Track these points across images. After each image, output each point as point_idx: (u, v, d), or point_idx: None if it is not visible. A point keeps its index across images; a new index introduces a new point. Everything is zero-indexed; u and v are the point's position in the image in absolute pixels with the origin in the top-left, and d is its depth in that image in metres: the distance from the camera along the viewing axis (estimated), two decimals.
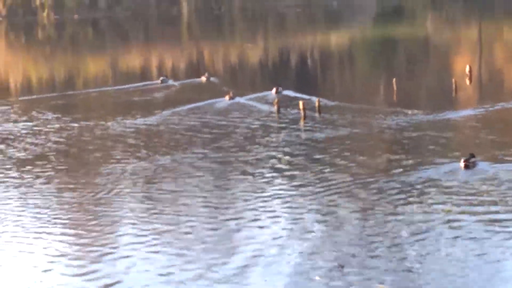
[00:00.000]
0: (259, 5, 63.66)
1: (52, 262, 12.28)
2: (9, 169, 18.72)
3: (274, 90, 26.81)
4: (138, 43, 50.04)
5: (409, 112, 22.60)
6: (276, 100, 23.97)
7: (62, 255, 12.72)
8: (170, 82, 31.49)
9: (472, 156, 16.92)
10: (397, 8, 62.60)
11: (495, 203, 14.41)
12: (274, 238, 13.07)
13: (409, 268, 11.41)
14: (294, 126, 21.81)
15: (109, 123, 23.45)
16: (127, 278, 11.54)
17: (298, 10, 61.80)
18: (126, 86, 31.91)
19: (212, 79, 31.35)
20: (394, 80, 26.03)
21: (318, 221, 13.98)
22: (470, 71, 28.26)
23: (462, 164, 16.85)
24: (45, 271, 11.99)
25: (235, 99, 25.80)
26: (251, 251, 12.38)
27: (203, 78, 31.42)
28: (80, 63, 40.96)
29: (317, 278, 11.25)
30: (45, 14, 61.48)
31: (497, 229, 13.06)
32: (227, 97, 25.88)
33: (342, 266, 11.52)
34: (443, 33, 50.24)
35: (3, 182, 17.60)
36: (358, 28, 54.59)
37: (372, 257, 11.91)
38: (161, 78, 31.89)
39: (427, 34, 49.23)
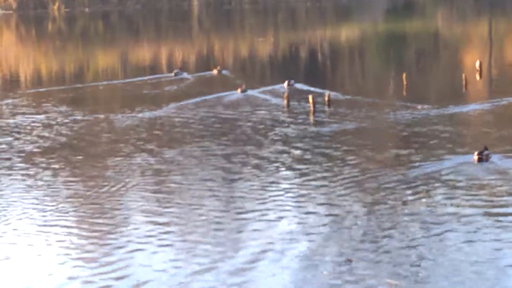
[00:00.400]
0: (270, 0, 63.55)
1: (62, 254, 12.27)
2: (18, 161, 18.73)
3: (286, 83, 26.90)
4: (149, 37, 50.01)
5: (419, 106, 22.58)
6: (286, 94, 23.97)
7: (71, 247, 12.72)
8: (184, 75, 31.37)
9: (486, 149, 16.87)
10: (407, 3, 62.52)
11: (509, 197, 14.44)
12: (282, 232, 13.06)
13: (418, 263, 11.40)
14: (303, 120, 21.78)
15: (119, 116, 23.45)
16: (138, 270, 11.54)
17: (309, 4, 61.66)
18: (139, 78, 31.94)
19: (224, 72, 31.39)
20: (404, 74, 26.01)
21: (326, 215, 13.96)
22: (480, 66, 28.24)
23: (475, 157, 16.81)
24: (56, 263, 12.01)
25: (247, 92, 25.90)
26: (259, 244, 12.37)
27: (215, 71, 31.42)
28: (90, 56, 40.96)
29: (325, 273, 11.25)
30: (55, 7, 61.49)
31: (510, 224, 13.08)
32: (239, 90, 26.01)
33: (351, 261, 11.52)
34: (454, 28, 50.19)
35: (12, 173, 17.63)
36: (368, 22, 54.53)
37: (381, 251, 11.89)
38: (175, 71, 31.84)
39: (437, 30, 49.17)
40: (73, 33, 52.90)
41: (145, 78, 32.06)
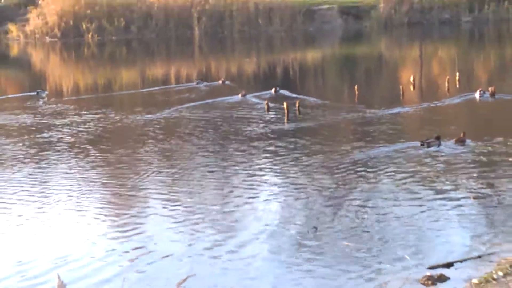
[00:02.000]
0: (253, 30, 63.52)
1: (86, 231, 12.16)
2: (62, 150, 18.85)
3: (273, 90, 27.47)
4: (162, 58, 50.06)
5: (368, 110, 22.79)
6: (266, 101, 24.09)
7: (94, 227, 12.68)
8: (204, 84, 31.39)
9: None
10: (357, 33, 62.54)
11: (437, 177, 14.62)
12: (260, 207, 13.18)
13: (368, 229, 11.53)
14: (279, 119, 21.96)
15: (139, 116, 23.56)
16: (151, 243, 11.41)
17: (283, 34, 61.64)
18: (164, 87, 32.35)
19: (226, 82, 31.46)
20: (356, 86, 26.13)
21: (295, 193, 14.09)
22: (414, 80, 28.41)
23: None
24: (83, 239, 11.90)
25: (246, 96, 26.36)
26: (241, 222, 12.34)
27: (220, 82, 31.52)
28: (116, 73, 40.93)
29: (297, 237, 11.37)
30: (90, 36, 61.31)
31: (440, 196, 13.23)
32: (240, 95, 26.52)
33: (316, 228, 11.64)
34: (393, 51, 50.33)
35: (57, 161, 17.72)
36: (328, 47, 54.73)
37: (339, 222, 12.03)
38: (197, 80, 31.95)
39: (381, 53, 49.30)
40: (103, 55, 52.75)
41: (171, 86, 32.42)
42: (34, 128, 22.09)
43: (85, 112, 25.09)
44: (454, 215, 11.94)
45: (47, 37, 64.23)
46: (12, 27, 66.42)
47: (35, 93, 30.21)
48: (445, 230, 11.27)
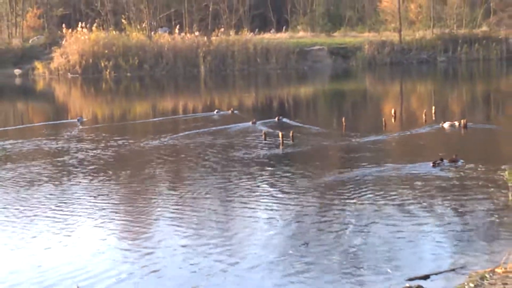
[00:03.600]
0: (252, 68, 63.91)
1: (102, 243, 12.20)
2: (83, 171, 18.81)
3: (276, 118, 28.01)
4: (171, 93, 50.22)
5: (354, 139, 22.78)
6: (263, 131, 23.88)
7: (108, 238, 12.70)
8: (221, 113, 31.66)
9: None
10: (345, 71, 62.84)
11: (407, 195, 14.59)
12: (257, 223, 13.17)
13: (353, 245, 11.49)
14: (274, 146, 21.91)
15: (154, 142, 23.65)
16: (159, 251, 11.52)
17: (279, 71, 61.91)
18: (185, 115, 32.91)
19: (235, 112, 31.75)
20: (343, 118, 26.16)
21: (290, 210, 14.05)
22: (395, 112, 28.41)
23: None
24: (103, 243, 11.96)
25: (256, 124, 26.72)
26: (240, 234, 12.37)
27: (230, 111, 31.84)
28: (131, 105, 40.95)
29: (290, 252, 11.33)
30: (107, 72, 61.58)
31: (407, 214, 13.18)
32: (251, 122, 26.99)
33: (307, 243, 11.63)
34: (376, 87, 50.47)
35: (78, 180, 17.68)
36: (319, 84, 54.91)
37: (328, 238, 12.02)
38: (216, 110, 32.11)
39: (365, 88, 49.42)
40: (119, 90, 52.90)
41: (192, 115, 32.88)
42: (59, 151, 22.10)
43: (103, 138, 25.16)
44: (431, 232, 11.91)
45: (69, 74, 64.41)
46: (38, 64, 66.70)
47: (76, 120, 30.70)
48: (423, 246, 11.25)
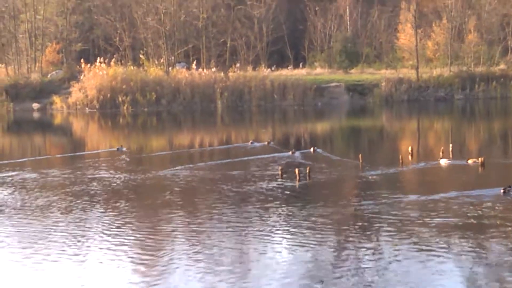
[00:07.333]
0: (269, 104, 64.24)
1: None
2: (97, 200, 18.96)
3: (312, 149, 29.23)
4: (188, 127, 50.50)
5: (372, 173, 22.85)
6: (280, 167, 23.76)
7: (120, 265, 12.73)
8: (257, 144, 32.55)
9: (510, 186, 17.57)
10: (362, 107, 62.96)
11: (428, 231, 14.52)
12: (271, 256, 13.13)
13: (369, 283, 11.47)
14: (292, 182, 21.93)
15: (170, 170, 23.98)
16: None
17: (295, 108, 62.18)
18: (224, 146, 34.87)
19: (271, 143, 32.69)
20: (360, 155, 26.19)
21: (306, 245, 14.03)
22: (412, 150, 28.42)
23: (501, 190, 17.73)
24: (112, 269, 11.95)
25: (296, 153, 28.09)
26: (248, 269, 12.35)
27: (266, 143, 32.68)
28: (147, 139, 41.32)
29: None
30: (125, 107, 62.18)
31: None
32: (290, 152, 28.30)
33: (323, 281, 11.59)
34: (394, 124, 50.51)
35: (87, 211, 17.82)
36: (335, 120, 55.03)
37: (344, 276, 11.96)
38: (250, 141, 33.18)
39: (382, 125, 49.49)
40: (136, 124, 53.36)
41: (225, 146, 34.66)
42: (77, 181, 22.33)
43: (120, 169, 25.63)
44: (450, 272, 11.85)
45: (87, 108, 65.06)
46: (56, 99, 67.45)
47: (115, 149, 31.82)
48: (439, 281, 11.21)
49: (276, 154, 28.49)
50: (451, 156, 26.95)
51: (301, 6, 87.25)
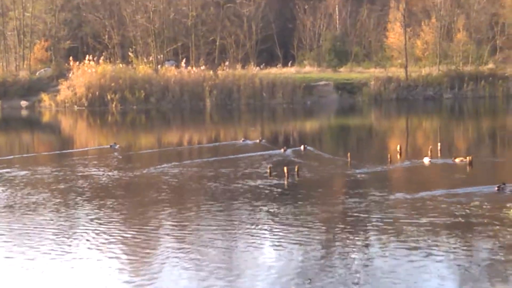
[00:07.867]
0: (258, 102, 64.27)
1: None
2: (88, 196, 18.94)
3: (302, 147, 29.49)
4: (177, 125, 50.42)
5: (361, 171, 22.89)
6: (269, 166, 23.77)
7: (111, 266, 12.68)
8: (248, 141, 32.89)
9: (503, 183, 17.65)
10: (351, 106, 63.09)
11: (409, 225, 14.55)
12: (261, 254, 13.12)
13: (357, 281, 11.48)
14: (280, 180, 21.96)
15: (158, 167, 23.99)
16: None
17: (284, 106, 62.22)
18: (215, 143, 34.57)
19: (263, 141, 33.01)
20: (348, 153, 26.24)
21: (294, 243, 14.02)
22: (400, 149, 28.49)
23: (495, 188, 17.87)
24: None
25: (287, 151, 28.37)
26: (239, 266, 12.34)
27: (258, 141, 32.97)
28: (136, 137, 41.23)
29: (292, 287, 11.34)
30: (113, 105, 62.06)
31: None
32: (282, 150, 28.53)
33: (311, 280, 11.61)
34: (382, 123, 50.60)
35: (76, 208, 17.78)
36: (324, 119, 55.06)
37: (331, 274, 11.98)
38: (242, 139, 33.23)
39: (371, 124, 49.55)
40: (125, 122, 53.18)
41: (221, 143, 34.39)
42: (71, 179, 22.28)
43: (111, 167, 25.70)
44: (437, 268, 11.91)
45: (75, 106, 64.89)
46: (45, 96, 67.24)
47: (109, 146, 32.17)
48: (426, 279, 11.26)
49: (267, 152, 28.70)
50: (439, 154, 27.05)
51: (291, 5, 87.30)
